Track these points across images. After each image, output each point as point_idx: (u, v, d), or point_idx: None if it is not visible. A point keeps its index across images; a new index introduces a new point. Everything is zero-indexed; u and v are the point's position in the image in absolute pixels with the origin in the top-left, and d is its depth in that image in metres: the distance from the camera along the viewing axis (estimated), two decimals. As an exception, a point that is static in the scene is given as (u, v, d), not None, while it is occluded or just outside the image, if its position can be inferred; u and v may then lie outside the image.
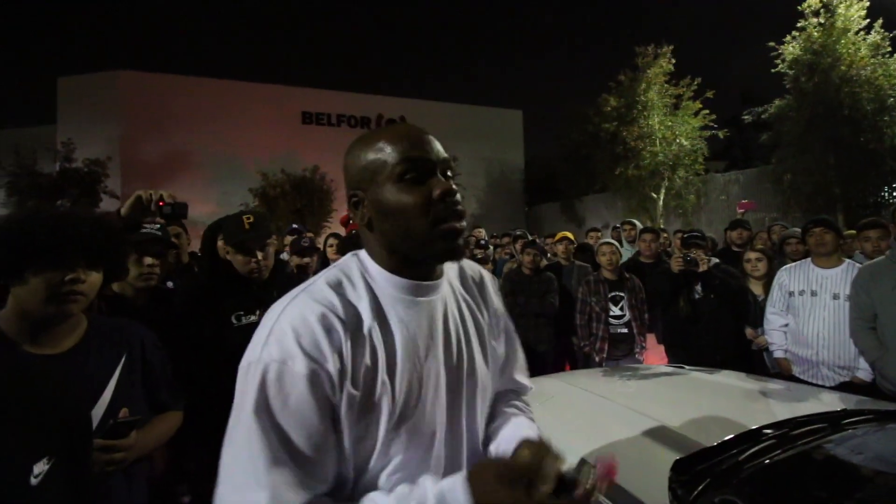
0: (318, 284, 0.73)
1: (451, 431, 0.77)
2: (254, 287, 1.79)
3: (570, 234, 4.41)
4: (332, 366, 0.65)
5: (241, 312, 1.74)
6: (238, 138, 16.40)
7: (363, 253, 0.78)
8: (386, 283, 0.74)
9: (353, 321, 0.69)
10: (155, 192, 1.71)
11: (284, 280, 1.90)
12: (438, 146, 0.74)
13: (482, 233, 6.50)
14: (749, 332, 3.14)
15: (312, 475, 0.64)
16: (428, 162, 0.71)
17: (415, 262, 0.74)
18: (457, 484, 0.64)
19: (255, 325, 0.72)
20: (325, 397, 0.65)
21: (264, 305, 0.83)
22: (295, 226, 4.92)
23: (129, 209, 1.71)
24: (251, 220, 1.75)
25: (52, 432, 0.61)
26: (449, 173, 0.74)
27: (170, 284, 2.25)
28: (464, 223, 0.73)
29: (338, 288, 0.72)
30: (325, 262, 4.00)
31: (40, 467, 0.58)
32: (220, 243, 1.89)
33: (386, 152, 0.71)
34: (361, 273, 0.75)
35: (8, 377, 0.62)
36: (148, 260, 1.71)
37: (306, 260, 3.09)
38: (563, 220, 16.80)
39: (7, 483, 0.55)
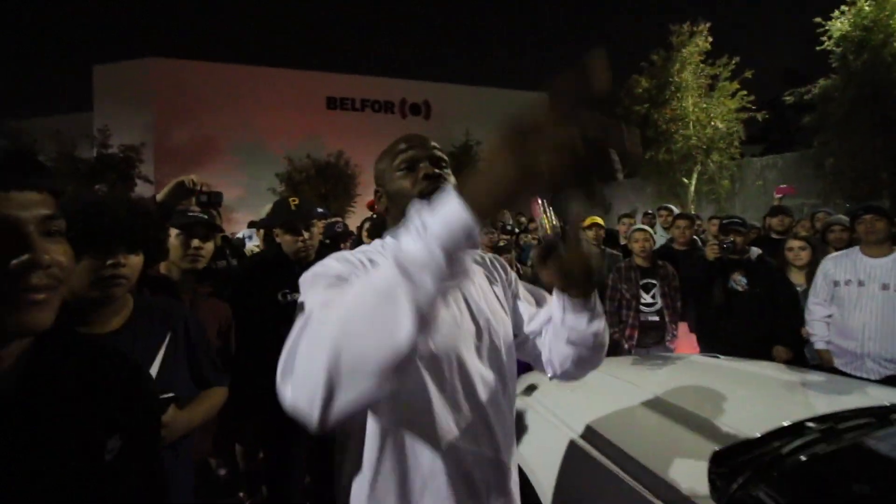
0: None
1: (462, 367, 0.88)
2: (298, 267, 1.85)
3: (600, 220, 4.31)
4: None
5: (287, 290, 1.83)
6: (265, 123, 16.60)
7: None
8: None
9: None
10: (196, 180, 1.81)
11: None
12: (430, 144, 0.95)
13: (506, 214, 6.28)
14: None
15: None
16: (416, 157, 0.92)
17: None
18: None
19: None
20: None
21: None
22: (320, 210, 4.93)
23: (168, 195, 1.77)
24: (297, 202, 1.92)
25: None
26: (442, 167, 0.93)
27: None
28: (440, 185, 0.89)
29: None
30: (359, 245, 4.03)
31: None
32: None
33: (392, 154, 0.95)
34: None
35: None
36: (195, 242, 1.75)
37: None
38: (589, 206, 16.46)
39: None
